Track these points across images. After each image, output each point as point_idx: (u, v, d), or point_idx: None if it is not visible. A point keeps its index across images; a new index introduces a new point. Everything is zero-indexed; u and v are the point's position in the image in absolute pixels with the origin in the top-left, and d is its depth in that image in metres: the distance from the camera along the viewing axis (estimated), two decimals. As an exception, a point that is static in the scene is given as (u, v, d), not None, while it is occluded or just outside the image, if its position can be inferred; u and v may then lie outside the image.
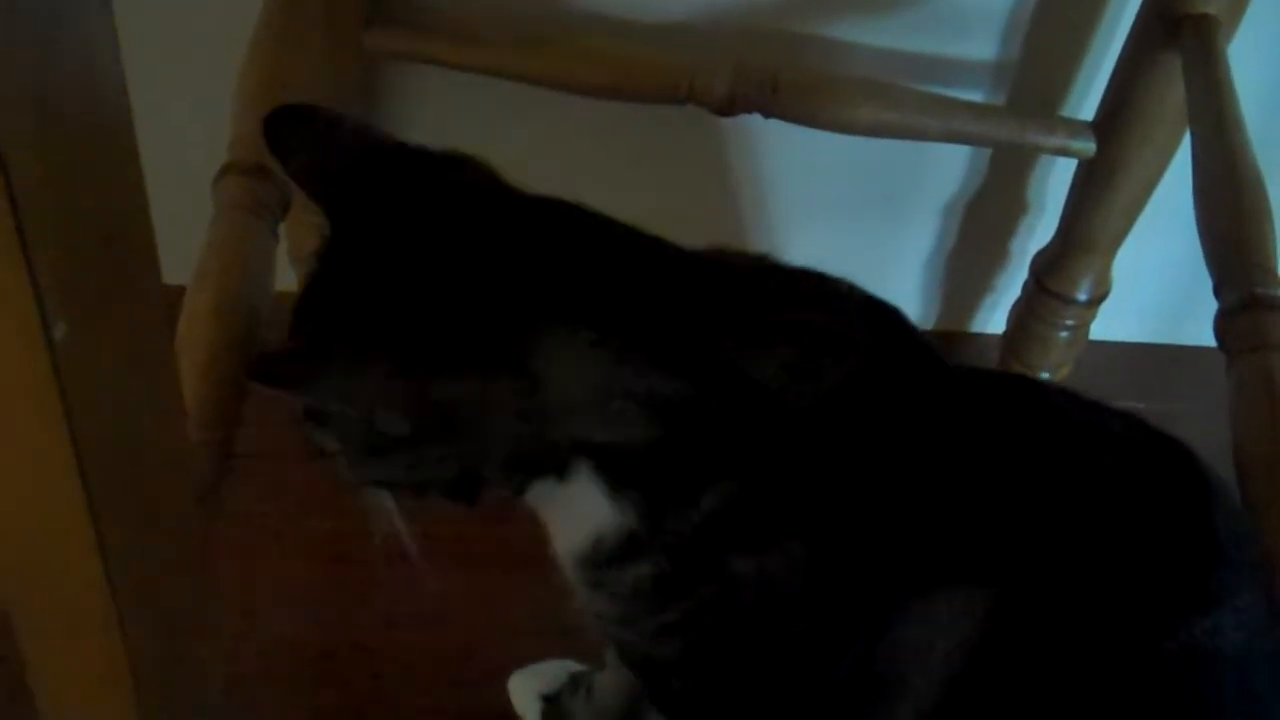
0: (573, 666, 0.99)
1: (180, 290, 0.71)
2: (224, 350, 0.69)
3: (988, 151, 1.16)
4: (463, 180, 0.69)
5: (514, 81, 1.00)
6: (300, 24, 0.89)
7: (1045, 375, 1.15)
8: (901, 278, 1.26)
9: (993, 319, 1.29)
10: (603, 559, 0.69)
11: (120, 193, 0.48)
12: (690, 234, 0.70)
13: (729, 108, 0.98)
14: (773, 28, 1.07)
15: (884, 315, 0.72)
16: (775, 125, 0.99)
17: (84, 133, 0.45)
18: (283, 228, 0.81)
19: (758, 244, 1.20)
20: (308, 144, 0.71)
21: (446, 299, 0.64)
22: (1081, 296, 1.09)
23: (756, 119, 0.99)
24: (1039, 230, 1.20)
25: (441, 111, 1.12)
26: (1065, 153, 1.02)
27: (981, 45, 1.08)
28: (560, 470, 0.67)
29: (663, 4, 1.06)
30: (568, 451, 0.66)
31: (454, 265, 0.65)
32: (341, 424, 0.68)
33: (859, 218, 1.21)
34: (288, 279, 0.88)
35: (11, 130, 0.40)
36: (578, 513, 0.69)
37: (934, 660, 0.64)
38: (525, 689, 1.00)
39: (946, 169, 1.17)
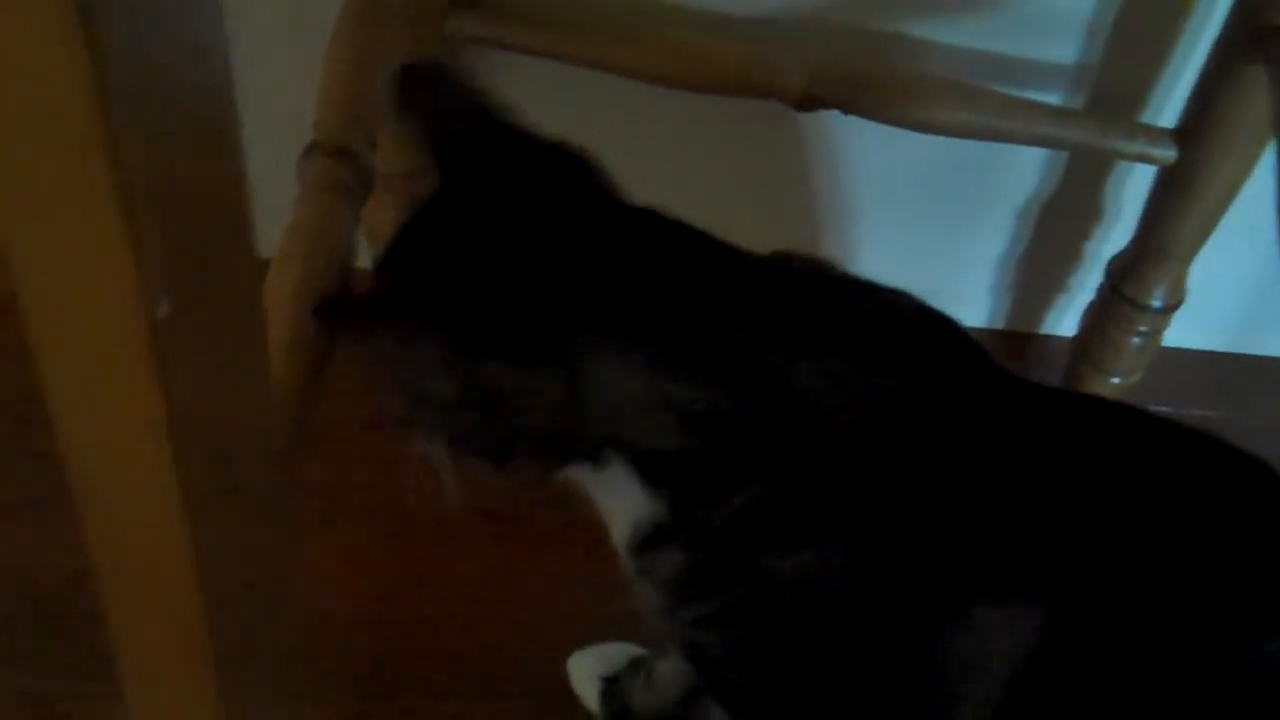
0: (634, 650, 0.99)
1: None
2: (305, 330, 0.71)
3: (1064, 154, 1.16)
4: (562, 175, 0.71)
5: (592, 70, 1.01)
6: (387, 8, 0.90)
7: (1116, 380, 1.14)
8: (973, 277, 1.26)
9: (1064, 321, 1.28)
10: (640, 545, 0.71)
11: (223, 172, 0.49)
12: (762, 229, 0.71)
13: (809, 103, 0.98)
14: (854, 25, 1.07)
15: (940, 329, 0.72)
16: (852, 122, 0.99)
17: (192, 112, 0.46)
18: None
19: (831, 240, 1.20)
20: (433, 103, 0.73)
21: (514, 287, 0.66)
22: (1156, 303, 1.09)
23: (834, 115, 0.99)
24: (1114, 234, 1.19)
25: (518, 98, 1.13)
26: (1145, 159, 1.01)
27: (1063, 48, 1.08)
28: (595, 460, 0.69)
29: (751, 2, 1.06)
30: (602, 446, 0.68)
31: (527, 256, 0.67)
32: (399, 373, 0.70)
33: (933, 216, 1.21)
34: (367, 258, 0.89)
35: (123, 111, 0.41)
36: (618, 501, 0.71)
37: (993, 666, 0.64)
38: (585, 669, 1.01)
39: (1023, 170, 1.17)
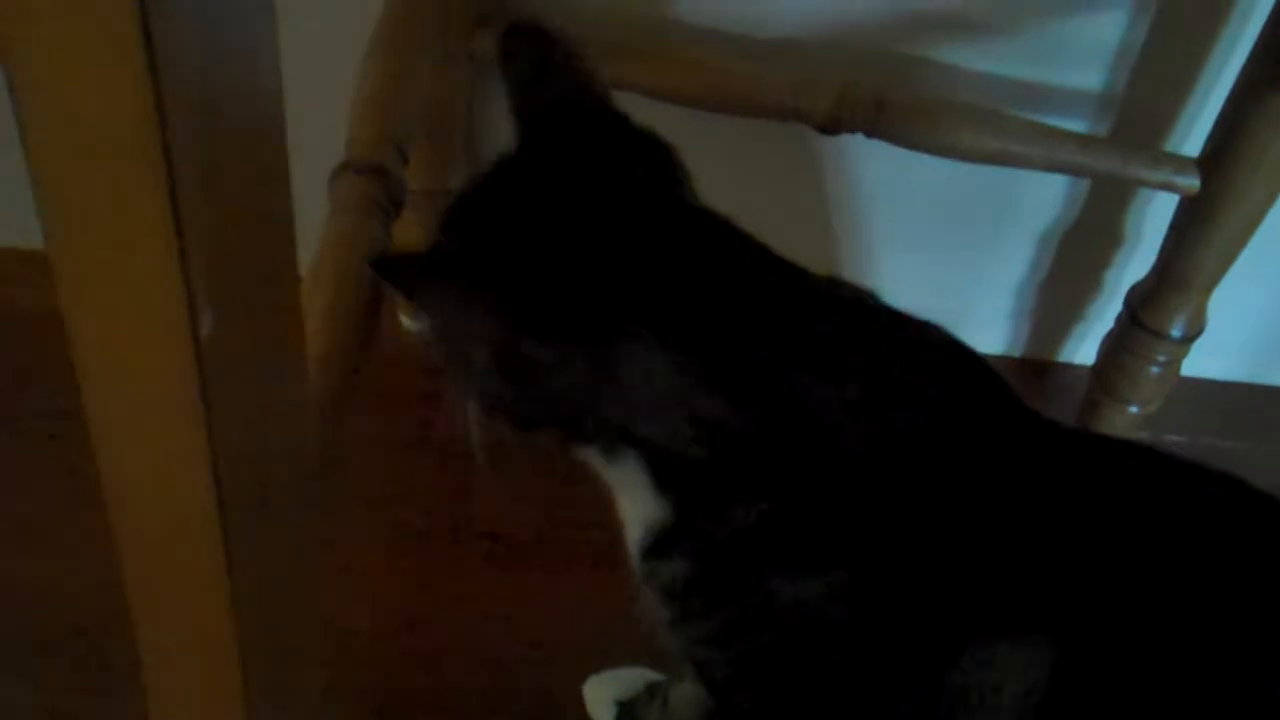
0: (650, 675, 0.99)
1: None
2: (337, 348, 0.71)
3: (1086, 181, 1.16)
4: (641, 163, 0.71)
5: (618, 89, 1.01)
6: (418, 27, 0.91)
7: (1134, 410, 1.14)
8: (993, 303, 1.26)
9: (1082, 349, 1.28)
10: (650, 549, 0.71)
11: (270, 190, 0.49)
12: (781, 249, 0.71)
13: (833, 126, 0.98)
14: (879, 49, 1.07)
15: (965, 364, 0.72)
16: (875, 145, 0.99)
17: (243, 132, 0.46)
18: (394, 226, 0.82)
19: (851, 263, 1.20)
20: (530, 65, 0.73)
21: (566, 265, 0.66)
22: (1175, 333, 1.09)
23: (856, 138, 1.00)
24: (1134, 262, 1.19)
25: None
26: (1169, 188, 1.01)
27: (1088, 75, 1.08)
28: (608, 449, 0.69)
29: (771, 21, 1.06)
30: (619, 439, 0.68)
31: (586, 237, 0.67)
32: (440, 330, 0.70)
33: (954, 241, 1.21)
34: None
35: (178, 131, 0.41)
36: (632, 497, 0.71)
37: (1003, 703, 0.64)
38: (601, 693, 1.00)
39: (1044, 197, 1.17)
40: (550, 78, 0.73)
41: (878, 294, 0.73)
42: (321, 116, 0.84)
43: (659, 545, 0.71)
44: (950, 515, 0.67)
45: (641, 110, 1.02)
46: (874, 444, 0.67)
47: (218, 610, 0.56)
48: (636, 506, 0.72)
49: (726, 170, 1.16)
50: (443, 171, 1.06)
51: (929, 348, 0.72)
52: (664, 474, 0.69)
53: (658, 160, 0.72)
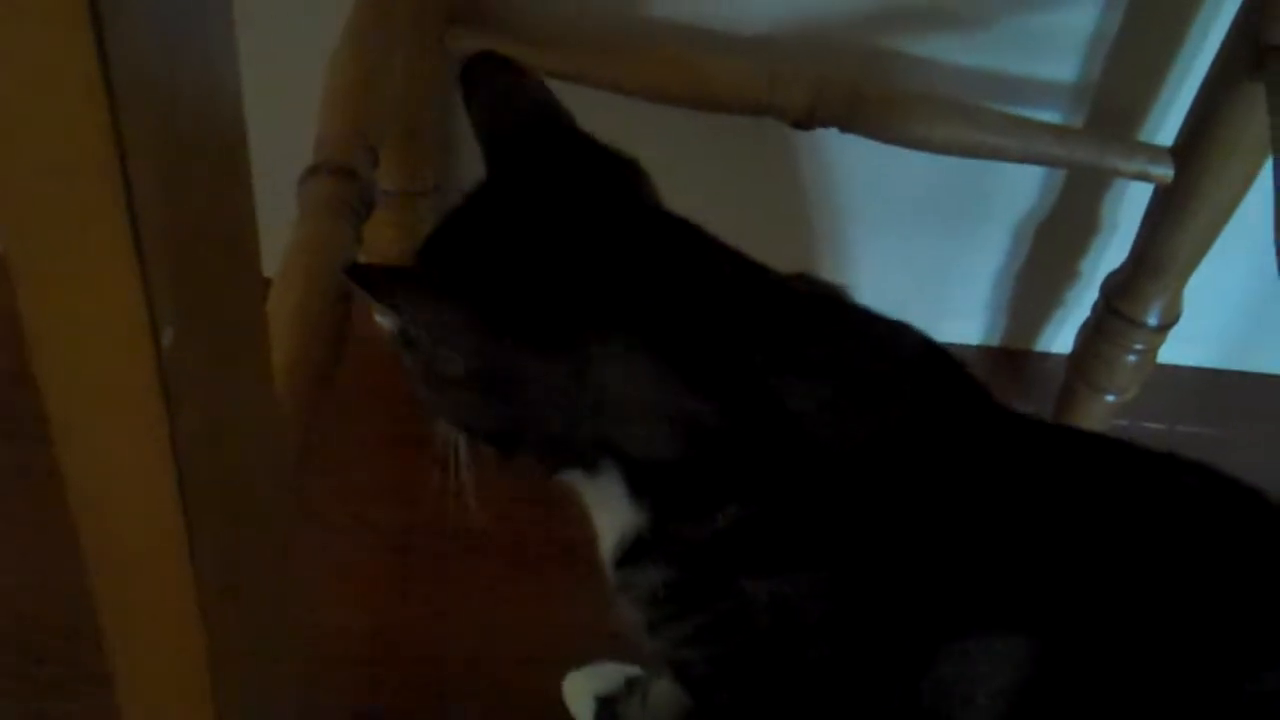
0: (630, 670, 0.99)
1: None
2: (307, 351, 0.70)
3: (1061, 171, 1.16)
4: (607, 178, 0.73)
5: (588, 86, 1.01)
6: (389, 26, 0.90)
7: (1111, 398, 1.14)
8: (969, 294, 1.26)
9: (1059, 338, 1.28)
10: (623, 558, 0.72)
11: (231, 197, 0.49)
12: (757, 245, 0.72)
13: (807, 121, 0.98)
14: (852, 42, 1.07)
15: (936, 362, 0.73)
16: (849, 139, 0.99)
17: (202, 138, 0.46)
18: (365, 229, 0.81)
19: (827, 256, 1.20)
20: (493, 93, 0.76)
21: (540, 276, 0.68)
22: (1151, 321, 1.09)
23: (831, 133, 0.99)
24: (1110, 250, 1.19)
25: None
26: (1144, 178, 1.01)
27: (1061, 66, 1.08)
28: (589, 464, 0.70)
29: (743, 15, 1.06)
30: (596, 448, 0.69)
31: (559, 250, 0.69)
32: (417, 349, 0.71)
33: (929, 232, 1.21)
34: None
35: (135, 138, 0.41)
36: (607, 509, 0.72)
37: (979, 698, 0.65)
38: (581, 689, 1.00)
39: (1019, 187, 1.17)
40: (513, 104, 0.75)
41: (848, 290, 0.74)
42: (290, 116, 0.83)
43: (633, 553, 0.71)
44: (925, 513, 0.67)
45: (616, 108, 1.02)
46: (847, 442, 0.67)
47: (187, 620, 0.56)
48: (612, 516, 0.72)
49: (702, 167, 1.16)
50: (416, 170, 1.06)
51: (900, 345, 0.72)
52: (640, 481, 0.69)
53: (623, 174, 0.74)
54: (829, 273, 0.77)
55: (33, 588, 1.04)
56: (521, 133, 0.74)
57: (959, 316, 1.27)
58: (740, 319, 0.68)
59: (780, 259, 0.74)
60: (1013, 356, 1.30)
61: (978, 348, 1.29)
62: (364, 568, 1.10)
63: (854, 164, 1.14)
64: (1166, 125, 1.08)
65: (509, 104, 0.75)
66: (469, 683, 1.04)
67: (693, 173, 1.17)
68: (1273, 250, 0.82)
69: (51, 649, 1.02)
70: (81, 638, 0.99)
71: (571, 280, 0.67)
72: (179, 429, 0.48)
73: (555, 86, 1.01)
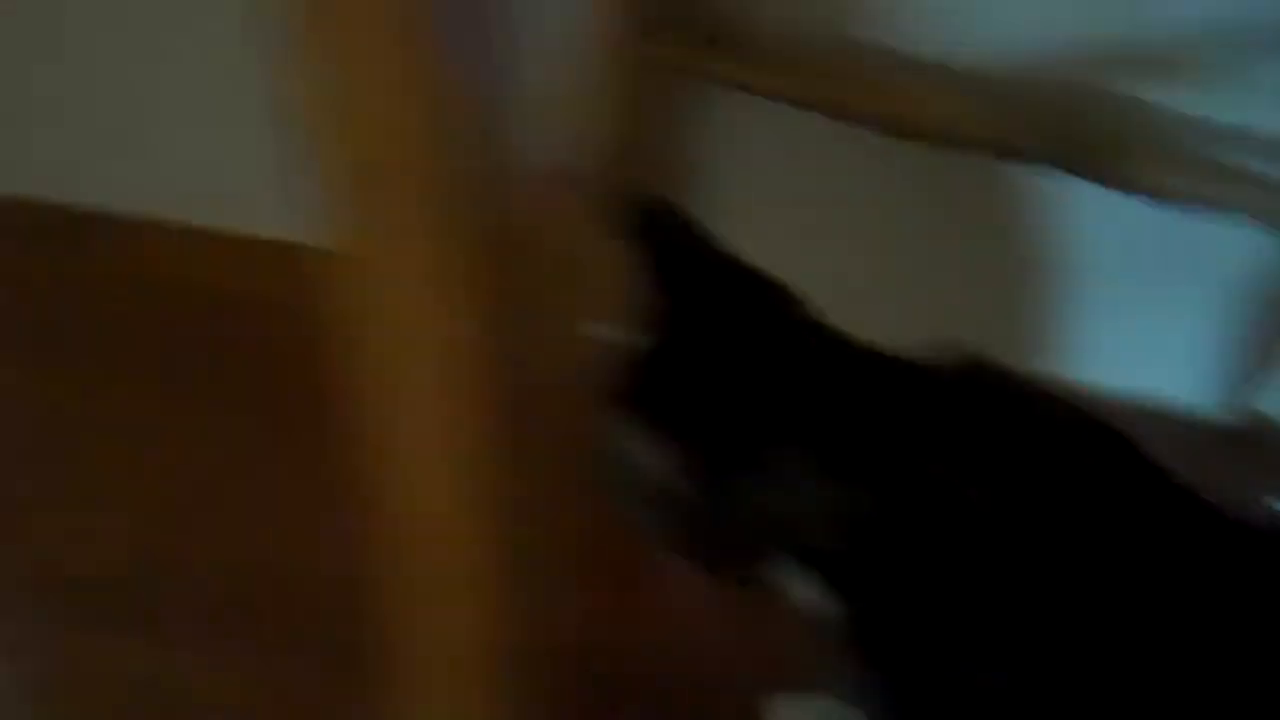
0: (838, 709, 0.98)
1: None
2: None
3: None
4: (772, 306, 0.82)
5: (799, 109, 1.01)
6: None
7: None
8: (1181, 356, 1.22)
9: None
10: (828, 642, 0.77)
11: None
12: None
13: (1032, 157, 0.97)
14: (1090, 84, 1.05)
15: (1112, 446, 0.74)
16: (1068, 187, 0.98)
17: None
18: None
19: (1039, 305, 1.17)
20: (662, 238, 0.83)
21: (727, 400, 0.77)
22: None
23: (1056, 178, 0.98)
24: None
25: (731, 137, 1.13)
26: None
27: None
28: (774, 558, 0.76)
29: (966, 50, 1.05)
30: (772, 548, 0.76)
31: (744, 379, 0.78)
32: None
33: (1149, 293, 1.18)
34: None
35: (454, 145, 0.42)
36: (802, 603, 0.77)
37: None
38: (790, 717, 1.00)
39: (1243, 247, 1.13)
40: (679, 245, 0.83)
41: (996, 358, 0.77)
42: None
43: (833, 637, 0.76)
44: (1109, 607, 0.69)
45: (824, 132, 1.01)
46: (1019, 526, 0.70)
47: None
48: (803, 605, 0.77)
49: (901, 201, 1.15)
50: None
51: (1072, 429, 0.75)
52: (826, 572, 0.75)
53: (782, 297, 0.82)
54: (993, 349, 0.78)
55: (282, 563, 1.10)
56: (692, 269, 0.82)
57: (1180, 380, 1.23)
58: (903, 414, 0.74)
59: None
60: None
61: (1205, 419, 1.24)
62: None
63: (1075, 213, 1.12)
64: None
65: (676, 243, 0.83)
66: (685, 699, 1.05)
67: (895, 208, 1.16)
68: None
69: (294, 623, 1.07)
70: (326, 616, 1.05)
71: (755, 402, 0.76)
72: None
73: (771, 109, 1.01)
